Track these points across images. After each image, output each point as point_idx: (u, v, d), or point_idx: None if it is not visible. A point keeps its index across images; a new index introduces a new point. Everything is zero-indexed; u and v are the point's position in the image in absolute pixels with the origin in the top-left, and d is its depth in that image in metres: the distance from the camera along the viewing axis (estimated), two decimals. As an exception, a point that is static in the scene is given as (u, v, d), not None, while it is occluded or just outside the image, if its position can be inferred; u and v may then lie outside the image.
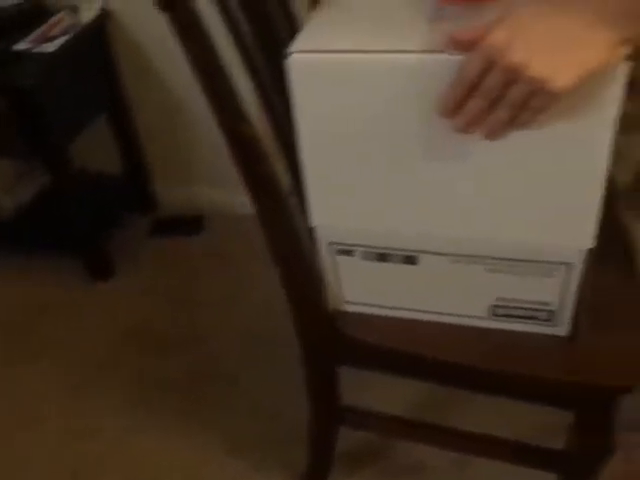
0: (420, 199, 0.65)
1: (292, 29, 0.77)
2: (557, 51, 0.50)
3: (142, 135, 1.61)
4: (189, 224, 1.62)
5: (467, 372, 0.74)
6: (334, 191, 0.67)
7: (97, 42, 1.43)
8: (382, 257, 0.71)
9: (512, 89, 0.52)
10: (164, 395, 1.25)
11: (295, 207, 0.73)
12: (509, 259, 0.67)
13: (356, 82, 0.58)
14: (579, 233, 0.63)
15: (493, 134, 0.56)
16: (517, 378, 0.72)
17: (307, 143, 0.64)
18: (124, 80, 1.52)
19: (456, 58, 0.54)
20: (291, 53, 0.58)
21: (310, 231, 0.72)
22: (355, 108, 0.60)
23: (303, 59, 0.58)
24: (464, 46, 0.53)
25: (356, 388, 0.94)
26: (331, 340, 0.79)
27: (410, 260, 0.71)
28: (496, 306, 0.72)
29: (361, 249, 0.71)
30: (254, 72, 0.70)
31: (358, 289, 0.76)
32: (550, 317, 0.71)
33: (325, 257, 0.73)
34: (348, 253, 0.72)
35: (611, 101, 0.54)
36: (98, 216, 1.50)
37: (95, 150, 1.61)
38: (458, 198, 0.63)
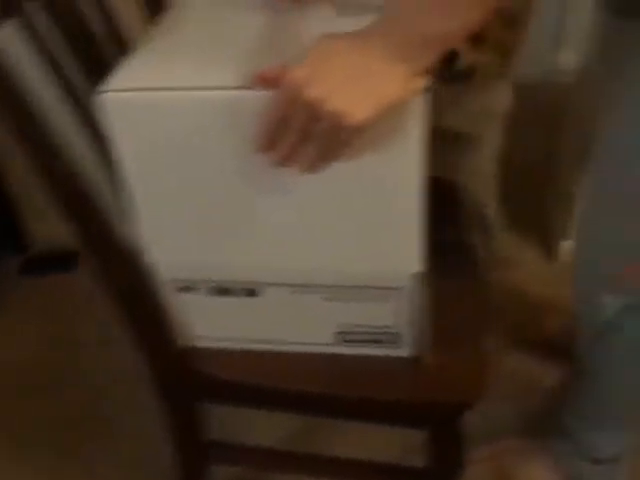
0: (250, 232, 0.65)
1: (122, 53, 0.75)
2: (354, 86, 0.52)
3: (6, 164, 1.54)
4: (63, 260, 1.55)
5: (316, 400, 0.74)
6: (167, 226, 0.66)
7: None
8: (224, 291, 0.71)
9: (317, 125, 0.53)
10: (35, 439, 1.18)
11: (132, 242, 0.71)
12: (343, 287, 0.68)
13: (169, 119, 0.58)
14: (405, 258, 0.65)
15: (307, 169, 0.57)
16: (364, 402, 0.73)
17: (134, 181, 0.62)
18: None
19: (263, 95, 0.55)
20: (103, 91, 0.57)
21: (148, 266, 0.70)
22: (173, 145, 0.60)
23: (116, 97, 0.57)
24: (269, 83, 0.54)
25: (227, 422, 0.92)
26: (182, 377, 0.78)
27: (251, 293, 0.71)
28: (340, 332, 0.73)
29: (202, 285, 0.71)
30: (77, 104, 0.68)
31: (206, 324, 0.76)
32: (394, 340, 0.73)
33: (168, 293, 0.72)
34: (189, 289, 0.71)
35: (412, 132, 0.56)
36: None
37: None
38: (285, 229, 0.64)
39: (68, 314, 1.44)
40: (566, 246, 1.36)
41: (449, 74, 1.08)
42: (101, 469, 1.13)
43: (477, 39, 1.07)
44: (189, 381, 0.78)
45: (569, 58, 1.20)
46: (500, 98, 1.22)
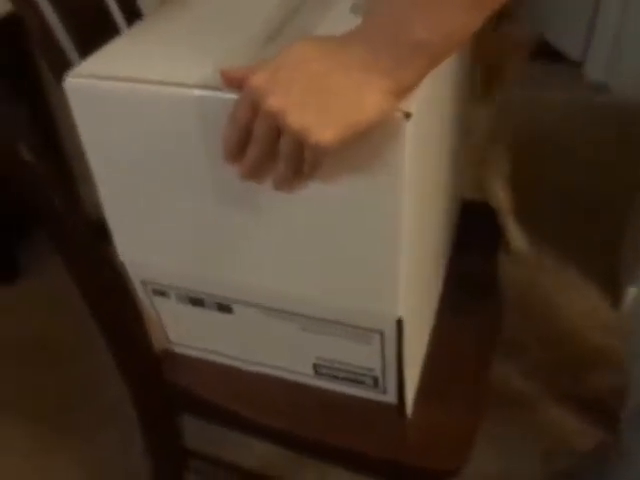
0: (221, 244, 0.59)
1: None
2: (323, 99, 0.44)
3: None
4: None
5: (289, 436, 0.68)
6: (136, 226, 0.61)
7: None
8: (196, 302, 0.65)
9: (282, 139, 0.46)
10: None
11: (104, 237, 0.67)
12: (322, 319, 0.61)
13: (138, 114, 0.52)
14: (385, 300, 0.56)
15: (279, 187, 0.50)
16: (337, 449, 0.66)
17: (99, 172, 0.58)
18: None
19: (230, 97, 0.48)
20: (68, 77, 0.53)
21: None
22: (141, 140, 0.54)
23: (80, 84, 0.52)
24: (234, 84, 0.48)
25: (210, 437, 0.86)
26: (156, 385, 0.73)
27: (224, 308, 0.65)
28: (318, 365, 0.66)
29: (174, 291, 0.65)
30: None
31: (180, 330, 0.71)
32: (374, 383, 0.65)
33: (141, 295, 0.68)
34: (162, 294, 0.66)
35: (396, 159, 0.48)
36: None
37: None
38: (259, 247, 0.57)
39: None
40: (633, 293, 1.21)
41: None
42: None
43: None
44: (163, 391, 0.73)
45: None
46: (479, 119, 1.11)
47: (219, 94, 0.49)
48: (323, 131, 0.44)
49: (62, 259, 0.64)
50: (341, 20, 0.58)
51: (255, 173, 0.50)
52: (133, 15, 0.71)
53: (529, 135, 1.57)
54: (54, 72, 0.61)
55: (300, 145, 0.45)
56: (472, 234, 0.84)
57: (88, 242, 0.63)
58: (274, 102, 0.44)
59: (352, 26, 0.56)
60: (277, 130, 0.45)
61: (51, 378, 1.24)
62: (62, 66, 0.62)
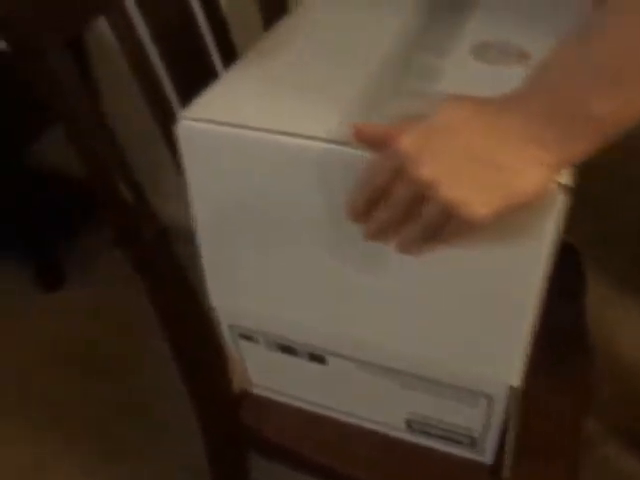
0: (325, 295, 0.55)
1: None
2: (479, 172, 0.40)
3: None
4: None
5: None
6: (233, 272, 0.58)
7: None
8: (286, 349, 0.62)
9: (425, 206, 0.42)
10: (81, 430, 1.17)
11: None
12: (424, 378, 0.58)
13: (253, 161, 0.49)
14: (503, 367, 0.53)
15: (405, 250, 0.47)
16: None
17: (202, 217, 0.55)
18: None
19: (363, 154, 0.45)
20: (181, 119, 0.49)
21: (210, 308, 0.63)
22: (252, 188, 0.51)
23: (194, 127, 0.49)
24: (370, 143, 0.44)
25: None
26: (232, 427, 0.70)
27: (317, 358, 0.61)
28: (411, 420, 0.63)
29: (263, 337, 0.62)
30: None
31: (263, 374, 0.67)
32: (472, 443, 0.62)
33: (227, 337, 0.65)
34: (250, 339, 0.63)
35: (544, 232, 0.44)
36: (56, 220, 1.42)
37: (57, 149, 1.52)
38: (367, 302, 0.54)
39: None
40: None
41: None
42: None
43: None
44: (237, 431, 0.70)
45: None
46: None
47: (347, 149, 0.46)
48: (478, 206, 0.40)
49: (147, 292, 0.61)
50: (465, 64, 0.54)
51: (383, 235, 0.46)
52: (230, 53, 0.67)
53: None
54: (153, 111, 0.58)
55: (444, 216, 0.42)
56: (557, 278, 0.80)
57: (180, 285, 0.61)
58: (426, 172, 0.40)
59: (478, 72, 0.53)
60: (421, 197, 0.42)
61: (101, 386, 1.22)
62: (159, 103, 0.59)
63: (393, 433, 0.65)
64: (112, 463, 1.10)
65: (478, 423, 0.59)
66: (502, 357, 0.52)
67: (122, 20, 0.56)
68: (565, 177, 0.42)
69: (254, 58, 0.58)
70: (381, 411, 0.64)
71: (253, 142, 0.48)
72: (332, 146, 0.46)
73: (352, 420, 0.66)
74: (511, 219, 0.43)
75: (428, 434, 0.63)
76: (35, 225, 1.33)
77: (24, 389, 1.23)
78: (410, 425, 0.63)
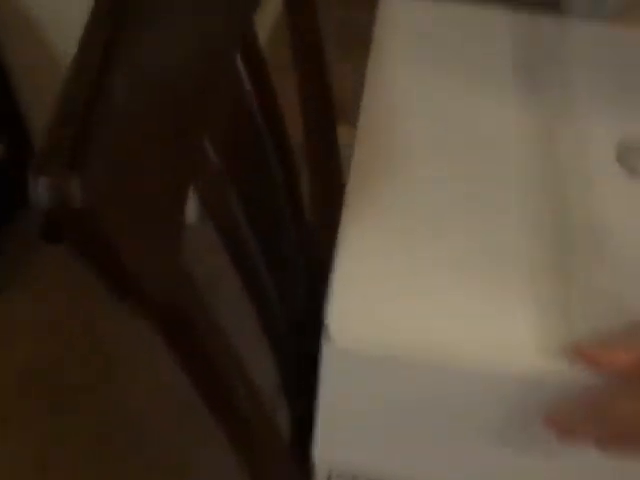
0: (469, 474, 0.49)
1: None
2: None
3: (26, 107, 1.28)
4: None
5: None
6: (348, 432, 0.50)
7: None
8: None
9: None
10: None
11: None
12: None
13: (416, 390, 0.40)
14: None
15: (596, 448, 0.41)
16: None
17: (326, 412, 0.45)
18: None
19: (578, 375, 0.37)
20: (329, 341, 0.38)
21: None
22: (404, 410, 0.42)
23: (346, 347, 0.38)
24: (587, 362, 0.38)
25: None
26: None
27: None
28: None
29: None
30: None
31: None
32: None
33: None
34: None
35: None
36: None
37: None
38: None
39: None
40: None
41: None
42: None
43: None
44: None
45: None
46: None
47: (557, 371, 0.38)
48: None
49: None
50: (617, 181, 0.45)
51: (576, 439, 0.41)
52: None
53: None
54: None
55: None
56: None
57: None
58: None
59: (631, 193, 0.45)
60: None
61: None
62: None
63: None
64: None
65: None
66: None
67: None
68: None
69: (360, 226, 0.43)
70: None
71: (418, 365, 0.38)
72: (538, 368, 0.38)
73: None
74: None
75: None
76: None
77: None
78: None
